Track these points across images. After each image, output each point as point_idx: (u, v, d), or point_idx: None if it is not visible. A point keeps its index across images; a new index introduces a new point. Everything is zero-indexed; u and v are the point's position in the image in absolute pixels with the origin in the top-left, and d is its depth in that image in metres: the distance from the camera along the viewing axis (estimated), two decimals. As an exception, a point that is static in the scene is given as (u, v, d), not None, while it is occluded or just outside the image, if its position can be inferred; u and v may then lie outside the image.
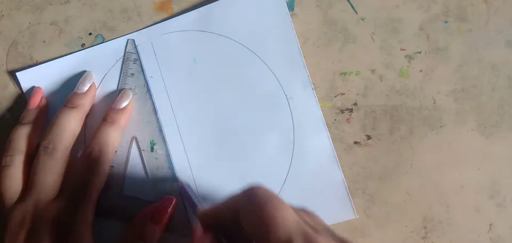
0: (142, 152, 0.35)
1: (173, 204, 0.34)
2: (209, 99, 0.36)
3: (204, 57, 0.36)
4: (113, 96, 0.35)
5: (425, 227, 0.36)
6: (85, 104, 0.34)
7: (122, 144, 0.35)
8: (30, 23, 0.36)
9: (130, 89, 0.35)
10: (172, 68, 0.36)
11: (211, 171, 0.35)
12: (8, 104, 0.36)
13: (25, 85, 0.36)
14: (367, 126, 0.36)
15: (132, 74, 0.35)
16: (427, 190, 0.35)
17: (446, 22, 0.35)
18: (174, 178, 0.35)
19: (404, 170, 0.36)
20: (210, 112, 0.36)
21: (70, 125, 0.33)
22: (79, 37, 0.36)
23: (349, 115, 0.36)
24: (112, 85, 0.36)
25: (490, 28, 0.35)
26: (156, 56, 0.36)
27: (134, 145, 0.36)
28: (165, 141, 0.35)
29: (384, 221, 0.36)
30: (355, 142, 0.36)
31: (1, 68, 0.36)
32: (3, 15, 0.36)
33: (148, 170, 0.35)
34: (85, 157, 0.33)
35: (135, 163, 0.35)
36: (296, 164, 0.35)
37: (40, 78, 0.36)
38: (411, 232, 0.36)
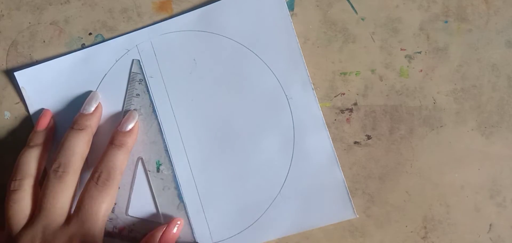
0: (148, 172, 0.35)
1: (180, 225, 0.34)
2: (209, 99, 0.35)
3: (204, 57, 0.35)
4: (118, 117, 0.35)
5: (425, 227, 0.35)
6: (92, 125, 0.34)
7: (128, 165, 0.35)
8: (30, 23, 0.36)
9: (136, 109, 0.35)
10: (172, 68, 0.36)
11: (213, 172, 0.35)
12: (8, 104, 0.36)
13: (23, 85, 0.36)
14: (367, 126, 0.36)
15: (138, 95, 0.35)
16: (427, 190, 0.35)
17: (446, 22, 0.35)
18: (180, 199, 0.35)
19: (404, 170, 0.36)
20: (210, 112, 0.35)
21: (79, 147, 0.33)
22: (79, 37, 0.36)
23: (349, 115, 0.36)
24: (111, 88, 0.36)
25: (490, 28, 0.35)
26: (156, 56, 0.36)
27: (140, 165, 0.35)
28: (171, 162, 0.35)
29: (384, 221, 0.36)
30: (355, 142, 0.36)
31: (1, 68, 0.36)
32: (3, 15, 0.36)
33: (154, 190, 0.35)
34: (93, 181, 0.32)
35: (140, 184, 0.35)
36: (296, 164, 0.35)
37: (38, 78, 0.36)
38: (411, 232, 0.36)
